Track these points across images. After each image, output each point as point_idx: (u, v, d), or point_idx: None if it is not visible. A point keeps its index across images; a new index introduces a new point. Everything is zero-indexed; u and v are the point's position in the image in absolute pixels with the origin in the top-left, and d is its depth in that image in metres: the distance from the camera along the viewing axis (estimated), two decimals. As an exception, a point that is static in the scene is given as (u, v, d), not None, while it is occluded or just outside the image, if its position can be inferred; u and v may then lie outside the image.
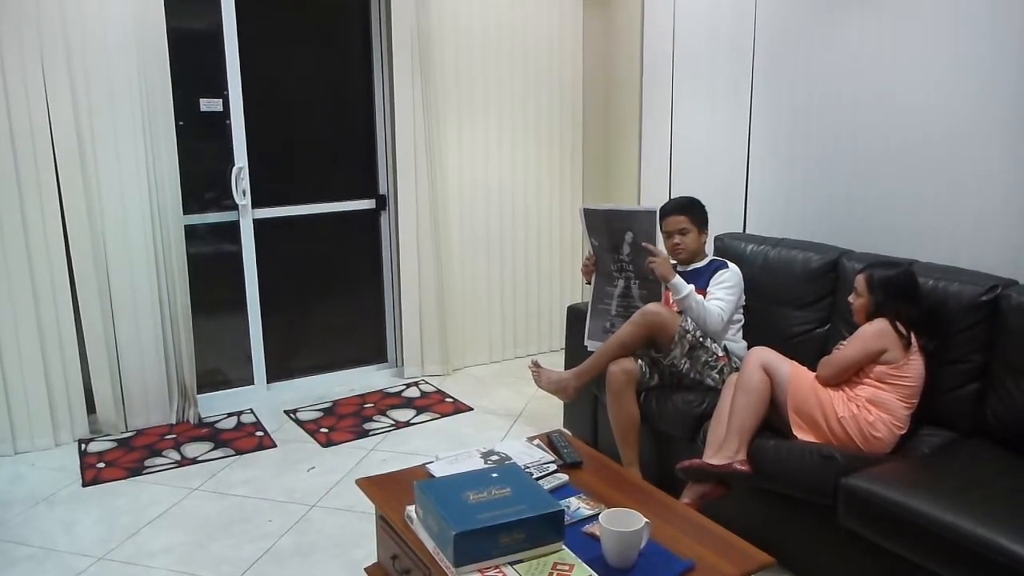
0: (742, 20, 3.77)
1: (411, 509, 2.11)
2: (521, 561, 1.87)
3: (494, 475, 2.09)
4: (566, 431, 2.72)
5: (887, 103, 3.19)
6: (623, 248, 3.14)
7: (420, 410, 4.03)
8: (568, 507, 2.14)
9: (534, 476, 2.29)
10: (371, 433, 3.75)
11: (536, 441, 2.60)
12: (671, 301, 3.11)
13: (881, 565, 2.28)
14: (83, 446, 3.61)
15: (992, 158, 2.86)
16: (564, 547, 1.93)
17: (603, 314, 3.25)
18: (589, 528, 2.07)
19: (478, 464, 2.41)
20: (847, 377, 2.65)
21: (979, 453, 2.49)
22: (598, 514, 2.12)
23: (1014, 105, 2.78)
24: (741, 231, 3.84)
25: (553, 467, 2.41)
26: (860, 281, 2.71)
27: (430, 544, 1.97)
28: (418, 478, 2.32)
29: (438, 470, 2.38)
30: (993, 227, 2.88)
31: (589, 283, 3.34)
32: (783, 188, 3.68)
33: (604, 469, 2.46)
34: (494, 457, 2.46)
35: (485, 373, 4.59)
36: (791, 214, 3.65)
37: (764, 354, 2.76)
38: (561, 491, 2.27)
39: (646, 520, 1.92)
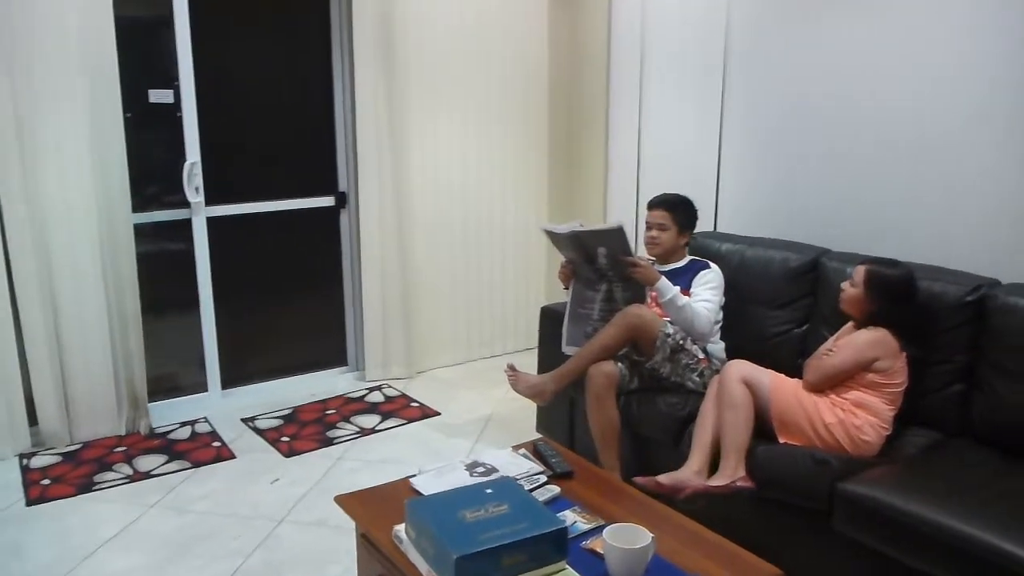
0: (713, 13, 3.72)
1: (400, 529, 1.98)
2: (524, 583, 1.77)
3: (488, 491, 1.98)
4: (549, 440, 2.61)
5: (863, 101, 3.17)
6: (598, 260, 3.05)
7: (385, 415, 3.89)
8: (565, 522, 2.04)
9: (525, 489, 2.18)
10: (336, 441, 3.60)
11: (522, 450, 2.50)
12: (657, 303, 3.05)
13: (875, 570, 2.25)
14: (24, 461, 3.37)
15: (972, 158, 2.86)
16: (567, 566, 1.83)
17: (584, 319, 3.16)
18: (589, 543, 1.98)
19: (464, 477, 2.30)
20: (834, 384, 2.61)
21: (968, 454, 2.48)
22: (596, 528, 2.04)
23: (992, 104, 2.78)
24: (712, 230, 3.79)
25: (543, 478, 2.31)
26: (860, 273, 2.66)
27: (423, 567, 1.85)
28: (402, 493, 2.21)
29: (423, 484, 2.25)
30: (972, 226, 2.88)
31: (567, 288, 3.24)
32: (755, 187, 3.64)
33: (595, 479, 2.37)
34: (480, 469, 2.35)
35: (450, 375, 4.47)
36: (764, 213, 3.61)
37: (742, 367, 2.70)
38: (555, 504, 2.17)
39: (652, 535, 1.84)
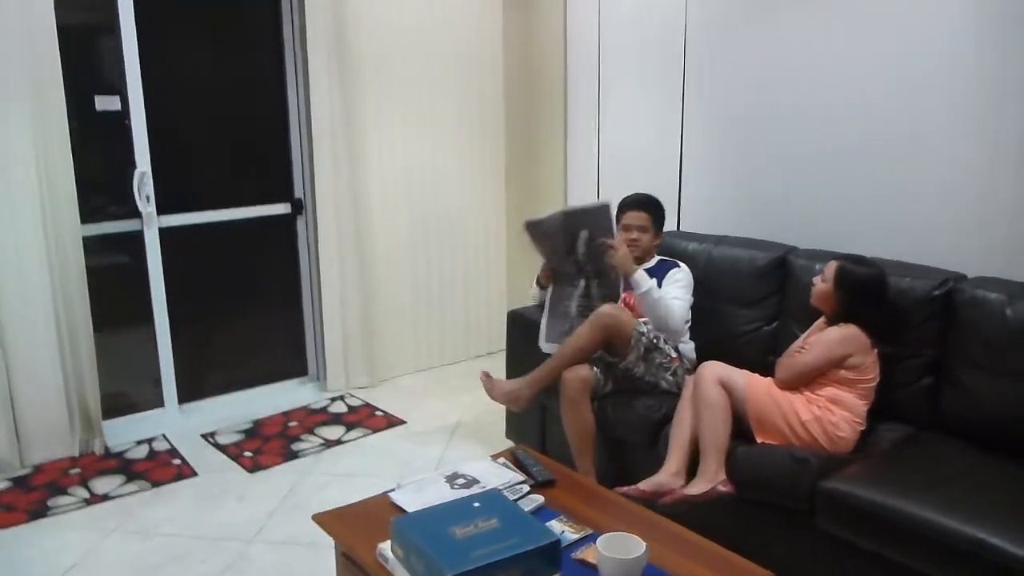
0: (672, 14, 3.72)
1: (385, 547, 1.92)
2: (518, 598, 1.73)
3: (476, 504, 1.93)
4: (528, 448, 2.57)
5: (824, 99, 3.19)
6: (578, 247, 3.02)
7: (350, 426, 3.80)
8: (556, 534, 2.01)
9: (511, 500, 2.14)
10: (301, 455, 3.50)
11: (501, 459, 2.45)
12: (632, 299, 3.02)
13: (858, 567, 2.26)
14: (-28, 488, 3.21)
15: (932, 154, 2.90)
16: (560, 579, 1.80)
17: (562, 315, 3.12)
18: (579, 554, 1.94)
19: (444, 490, 2.24)
20: (806, 382, 2.62)
21: (941, 447, 2.50)
22: (585, 538, 2.02)
23: (954, 102, 2.82)
24: (676, 229, 3.79)
25: (526, 488, 2.27)
26: (831, 268, 2.67)
27: (413, 586, 1.80)
28: (382, 509, 2.15)
29: (403, 500, 2.19)
30: (934, 221, 2.92)
31: (546, 287, 3.20)
32: (719, 185, 3.65)
33: (578, 486, 2.34)
34: (460, 480, 2.30)
35: (413, 383, 4.39)
36: (727, 212, 3.62)
37: (716, 368, 2.69)
38: (540, 514, 2.13)
39: (646, 544, 1.81)
